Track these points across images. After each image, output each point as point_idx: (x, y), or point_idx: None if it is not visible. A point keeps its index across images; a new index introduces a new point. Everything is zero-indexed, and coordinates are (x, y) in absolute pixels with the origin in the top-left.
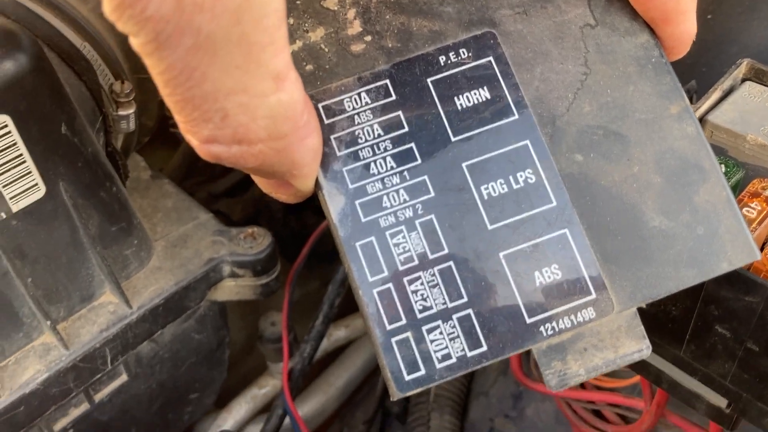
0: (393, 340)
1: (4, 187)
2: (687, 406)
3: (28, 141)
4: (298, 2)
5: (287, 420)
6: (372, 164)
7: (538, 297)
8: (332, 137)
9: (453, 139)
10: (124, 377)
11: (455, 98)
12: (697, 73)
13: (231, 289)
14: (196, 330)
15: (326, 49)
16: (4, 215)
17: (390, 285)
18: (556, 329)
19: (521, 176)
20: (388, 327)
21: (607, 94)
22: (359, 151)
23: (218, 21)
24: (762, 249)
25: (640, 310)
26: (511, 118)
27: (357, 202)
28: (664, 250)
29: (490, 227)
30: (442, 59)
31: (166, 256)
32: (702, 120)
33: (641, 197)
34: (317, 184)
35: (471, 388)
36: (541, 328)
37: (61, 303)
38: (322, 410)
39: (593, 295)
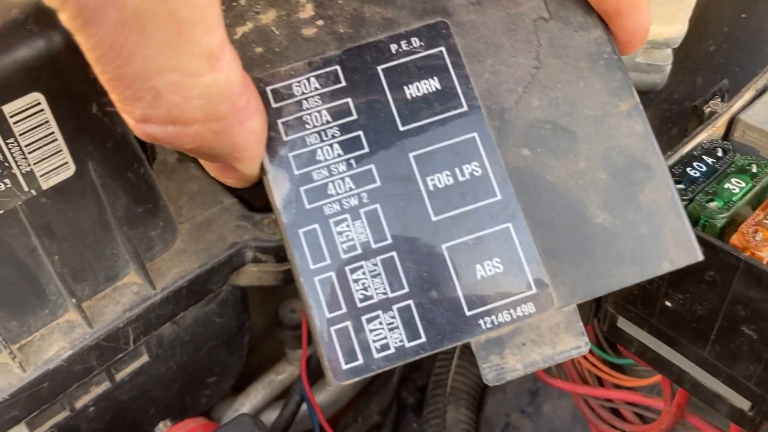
0: (332, 328)
1: (35, 164)
2: (707, 408)
3: (59, 119)
4: None
5: (303, 407)
6: (319, 151)
7: (478, 290)
8: (279, 121)
9: (401, 128)
10: (145, 357)
11: (405, 87)
12: (730, 72)
13: (253, 274)
14: (217, 314)
15: (277, 32)
16: (34, 192)
17: (332, 273)
18: (495, 323)
19: (467, 169)
20: (328, 315)
21: (557, 89)
22: (306, 137)
23: None
24: None
25: (665, 308)
26: (460, 110)
27: (302, 189)
28: (607, 247)
29: (434, 218)
30: (393, 47)
31: (191, 239)
32: (734, 119)
33: (586, 193)
34: (262, 168)
35: None
36: (480, 322)
37: (86, 281)
38: (338, 399)
39: (533, 290)
